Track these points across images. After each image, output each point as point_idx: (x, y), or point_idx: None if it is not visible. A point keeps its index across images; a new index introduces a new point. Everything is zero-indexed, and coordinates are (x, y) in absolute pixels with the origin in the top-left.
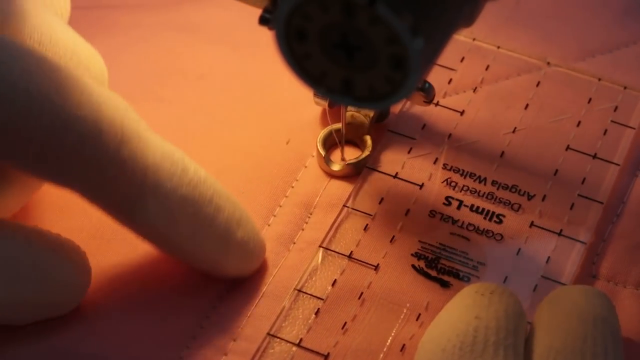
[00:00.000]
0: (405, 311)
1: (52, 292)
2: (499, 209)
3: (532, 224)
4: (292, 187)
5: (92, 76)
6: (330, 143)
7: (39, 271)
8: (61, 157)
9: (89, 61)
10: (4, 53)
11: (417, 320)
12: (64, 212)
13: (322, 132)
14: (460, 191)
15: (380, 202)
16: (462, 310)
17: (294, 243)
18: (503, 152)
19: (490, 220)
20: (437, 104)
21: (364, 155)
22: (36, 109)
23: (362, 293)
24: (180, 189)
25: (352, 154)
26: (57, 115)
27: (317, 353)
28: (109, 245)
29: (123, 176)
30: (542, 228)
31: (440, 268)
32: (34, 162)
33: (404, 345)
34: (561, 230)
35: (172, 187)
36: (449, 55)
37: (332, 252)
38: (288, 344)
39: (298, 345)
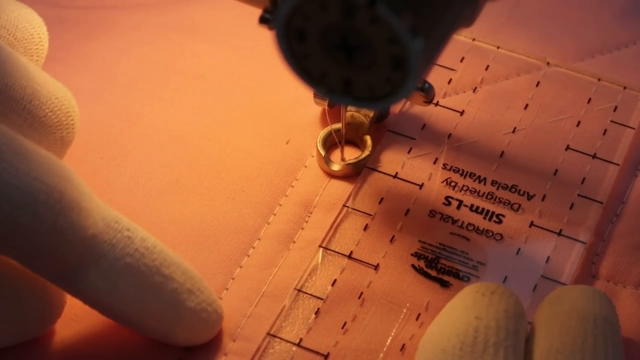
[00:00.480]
0: (405, 311)
1: (25, 317)
2: (498, 209)
3: (532, 224)
4: (292, 186)
5: (56, 120)
6: (330, 143)
7: (9, 299)
8: None
9: (55, 104)
10: None
11: (417, 320)
12: None
13: (322, 132)
14: (460, 191)
15: (380, 202)
16: (462, 311)
17: (294, 242)
18: (503, 152)
19: (490, 220)
20: (437, 104)
21: (364, 155)
22: None
23: (362, 293)
24: (124, 259)
25: (352, 154)
26: None
27: (317, 353)
28: None
29: (62, 247)
30: (542, 228)
31: (440, 268)
32: None
33: (403, 345)
34: (561, 230)
35: (115, 257)
36: (449, 55)
37: (332, 252)
38: (288, 344)
39: (298, 345)
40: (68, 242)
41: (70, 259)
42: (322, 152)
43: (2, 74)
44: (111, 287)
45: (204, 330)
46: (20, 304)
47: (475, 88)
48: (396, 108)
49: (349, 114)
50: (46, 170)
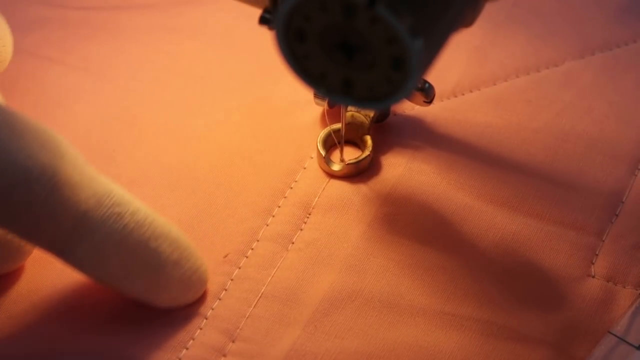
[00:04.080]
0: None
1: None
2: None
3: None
4: (291, 187)
5: None
6: (330, 143)
7: None
8: None
9: None
10: None
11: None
12: None
13: (323, 132)
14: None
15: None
16: None
17: (293, 243)
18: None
19: None
20: (436, 105)
21: (364, 156)
22: None
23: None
24: (112, 235)
25: (352, 154)
26: None
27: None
28: None
29: (54, 222)
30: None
31: None
32: None
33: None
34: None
35: (104, 233)
36: (449, 55)
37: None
38: (286, 346)
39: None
40: (59, 218)
41: (61, 234)
42: (323, 153)
43: None
44: (99, 261)
45: (186, 296)
46: None
47: (475, 89)
48: (396, 108)
49: (349, 114)
50: (40, 146)
